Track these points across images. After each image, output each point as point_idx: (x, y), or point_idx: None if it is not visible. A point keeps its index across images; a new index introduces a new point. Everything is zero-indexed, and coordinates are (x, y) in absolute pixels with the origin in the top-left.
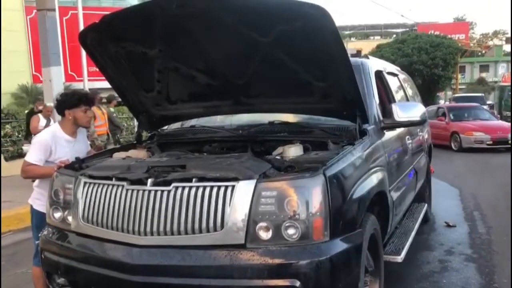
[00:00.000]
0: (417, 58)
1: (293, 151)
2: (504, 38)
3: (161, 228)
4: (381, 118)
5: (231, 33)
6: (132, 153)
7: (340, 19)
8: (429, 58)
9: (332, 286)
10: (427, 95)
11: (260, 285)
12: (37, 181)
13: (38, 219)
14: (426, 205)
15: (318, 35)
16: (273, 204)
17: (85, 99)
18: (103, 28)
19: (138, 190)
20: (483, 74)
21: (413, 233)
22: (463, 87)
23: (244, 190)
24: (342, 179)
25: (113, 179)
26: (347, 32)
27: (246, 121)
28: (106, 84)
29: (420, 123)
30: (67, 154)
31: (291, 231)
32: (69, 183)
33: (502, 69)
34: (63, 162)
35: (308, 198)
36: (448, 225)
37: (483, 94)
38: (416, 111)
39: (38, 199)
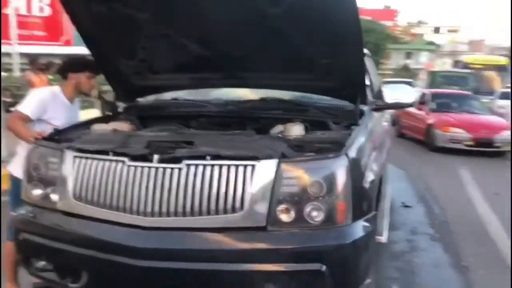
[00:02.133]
0: None
1: (296, 129)
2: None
3: (171, 209)
4: (372, 99)
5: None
6: (114, 125)
7: None
8: None
9: (354, 269)
10: None
11: (283, 270)
12: (21, 145)
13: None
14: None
15: (337, 9)
16: (295, 185)
17: (91, 66)
18: None
19: (142, 167)
20: (407, 61)
21: (388, 214)
22: (390, 72)
23: (265, 170)
24: (360, 160)
25: (110, 154)
26: None
27: (234, 96)
28: (38, 49)
29: (409, 105)
30: (61, 118)
31: (314, 213)
32: (52, 157)
33: (424, 57)
34: (41, 134)
35: (333, 180)
36: (405, 206)
37: (412, 80)
38: (405, 93)
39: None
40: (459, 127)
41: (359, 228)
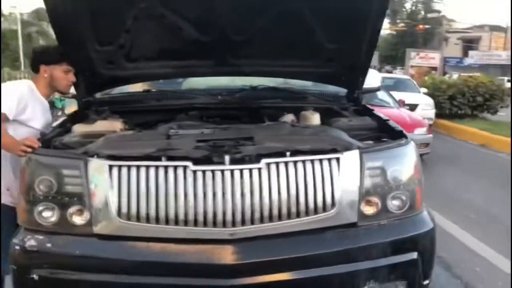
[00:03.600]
0: None
1: (315, 118)
2: None
3: (256, 215)
4: None
5: None
6: (104, 125)
7: None
8: None
9: (433, 253)
10: None
11: (385, 264)
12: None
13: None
14: None
15: None
16: (378, 175)
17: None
18: None
19: (213, 171)
20: None
21: None
22: None
23: (349, 162)
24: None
25: (163, 159)
26: None
27: (219, 85)
28: None
29: (377, 89)
30: (39, 119)
31: (396, 202)
32: (69, 169)
33: None
34: (33, 141)
35: (410, 167)
36: None
37: None
38: (372, 78)
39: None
40: None
41: (429, 213)
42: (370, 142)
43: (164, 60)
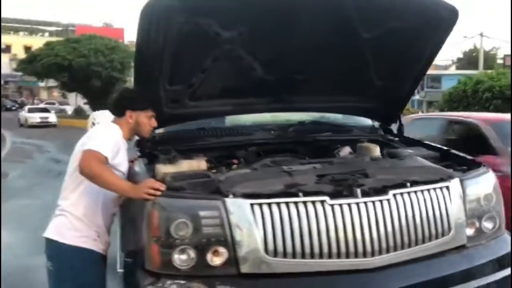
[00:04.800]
0: (94, 60)
1: (376, 150)
2: None
3: (390, 243)
4: None
5: (326, 22)
6: (191, 164)
7: None
8: (107, 61)
9: None
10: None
11: (492, 280)
12: (77, 198)
13: (80, 258)
14: None
15: (428, 36)
16: (475, 200)
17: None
18: None
19: (349, 204)
20: None
21: None
22: None
23: (455, 189)
24: None
25: (300, 194)
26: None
27: (267, 121)
28: None
29: None
30: (125, 163)
31: (489, 224)
32: (209, 210)
33: None
34: (160, 184)
35: (496, 190)
36: None
37: None
38: None
39: (78, 230)
40: None
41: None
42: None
43: (224, 98)
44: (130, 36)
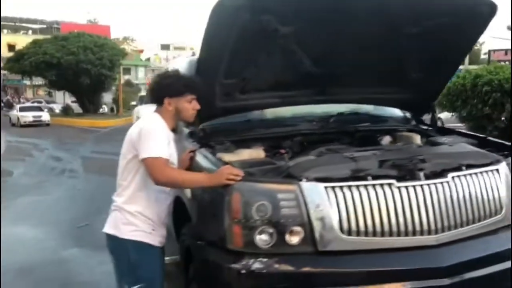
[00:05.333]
0: (84, 57)
1: (418, 139)
2: (134, 45)
3: (451, 222)
4: None
5: (374, 18)
6: (250, 153)
7: None
8: (96, 58)
9: None
10: (93, 96)
11: None
12: (130, 195)
13: (137, 252)
14: None
15: (466, 30)
16: None
17: (192, 86)
18: None
19: (414, 186)
20: (127, 77)
21: None
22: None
23: (503, 172)
24: None
25: (369, 178)
26: None
27: (307, 112)
28: None
29: None
30: (174, 154)
31: None
32: (286, 193)
33: (142, 73)
34: (238, 171)
35: None
36: None
37: None
38: None
39: (133, 224)
40: None
41: None
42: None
43: (271, 91)
44: (116, 33)
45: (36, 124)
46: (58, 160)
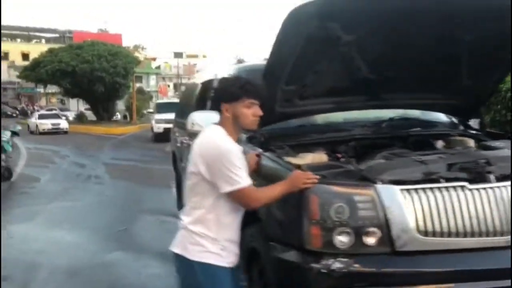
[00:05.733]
0: (98, 65)
1: (471, 143)
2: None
3: None
4: None
5: (432, 25)
6: (314, 157)
7: None
8: (110, 66)
9: None
10: (107, 103)
11: None
12: (198, 215)
13: (204, 274)
14: None
15: None
16: None
17: (248, 89)
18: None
19: (485, 188)
20: (138, 84)
21: None
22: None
23: None
24: None
25: (442, 181)
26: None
27: (357, 117)
28: None
29: None
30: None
31: None
32: (362, 195)
33: (153, 80)
34: (314, 176)
35: None
36: None
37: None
38: None
39: (201, 245)
40: None
41: None
42: None
43: (327, 96)
44: (127, 41)
45: (55, 132)
46: (82, 166)
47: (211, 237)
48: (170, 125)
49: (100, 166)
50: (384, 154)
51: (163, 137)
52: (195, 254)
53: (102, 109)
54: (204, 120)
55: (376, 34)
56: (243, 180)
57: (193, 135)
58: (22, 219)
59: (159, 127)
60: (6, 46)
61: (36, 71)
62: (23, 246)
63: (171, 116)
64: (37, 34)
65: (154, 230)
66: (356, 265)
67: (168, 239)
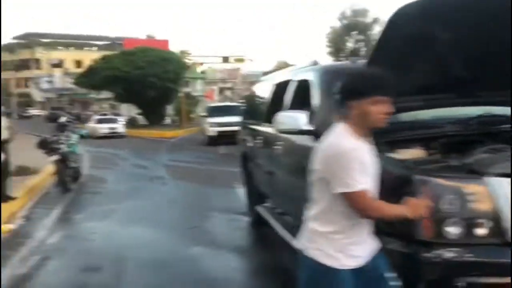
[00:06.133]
0: (150, 71)
1: None
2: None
3: None
4: None
5: None
6: (414, 152)
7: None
8: (162, 72)
9: None
10: (158, 108)
11: None
12: (318, 213)
13: (314, 272)
14: None
15: None
16: None
17: (381, 86)
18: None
19: None
20: (186, 89)
21: None
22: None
23: None
24: None
25: None
26: (46, 40)
27: (444, 115)
28: None
29: None
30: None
31: None
32: (472, 188)
33: (200, 85)
34: (425, 204)
35: None
36: None
37: (236, 104)
38: None
39: (316, 242)
40: None
41: None
42: None
43: (419, 94)
44: (174, 47)
45: (112, 136)
46: (144, 168)
47: (327, 237)
48: (224, 128)
49: (161, 168)
50: (485, 149)
51: (218, 140)
52: (309, 250)
53: (153, 113)
54: (291, 120)
55: (471, 32)
56: (357, 183)
57: (272, 135)
58: (100, 217)
59: (213, 131)
60: (61, 54)
61: (90, 77)
62: (107, 241)
63: (225, 119)
64: (89, 42)
65: (225, 227)
66: (468, 255)
67: (240, 236)
